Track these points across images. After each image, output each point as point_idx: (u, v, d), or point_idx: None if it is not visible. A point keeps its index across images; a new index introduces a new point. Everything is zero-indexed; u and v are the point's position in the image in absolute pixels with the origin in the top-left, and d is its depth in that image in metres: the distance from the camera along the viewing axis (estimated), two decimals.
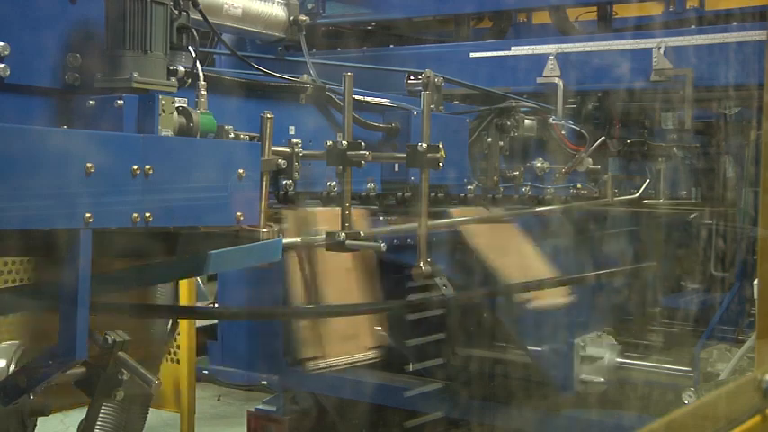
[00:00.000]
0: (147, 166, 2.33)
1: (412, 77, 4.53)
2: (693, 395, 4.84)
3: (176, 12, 2.59)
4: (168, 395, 6.70)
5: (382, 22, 6.20)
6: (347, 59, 5.03)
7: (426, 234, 3.66)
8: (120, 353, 3.14)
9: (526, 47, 5.31)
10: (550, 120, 4.89)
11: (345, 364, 3.68)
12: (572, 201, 5.11)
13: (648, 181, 5.60)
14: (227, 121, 2.92)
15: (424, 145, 3.61)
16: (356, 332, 3.71)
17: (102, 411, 3.97)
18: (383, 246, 3.43)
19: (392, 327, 5.16)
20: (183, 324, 6.40)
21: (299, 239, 3.39)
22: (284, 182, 3.31)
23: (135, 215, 2.32)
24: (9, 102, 2.39)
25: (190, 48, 2.65)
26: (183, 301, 6.36)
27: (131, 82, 2.43)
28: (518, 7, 6.39)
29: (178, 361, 6.70)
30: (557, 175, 4.95)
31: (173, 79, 2.57)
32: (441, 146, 3.63)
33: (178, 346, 6.68)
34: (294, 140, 3.35)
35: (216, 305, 7.47)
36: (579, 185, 5.17)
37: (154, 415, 5.38)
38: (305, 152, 3.37)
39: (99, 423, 4.00)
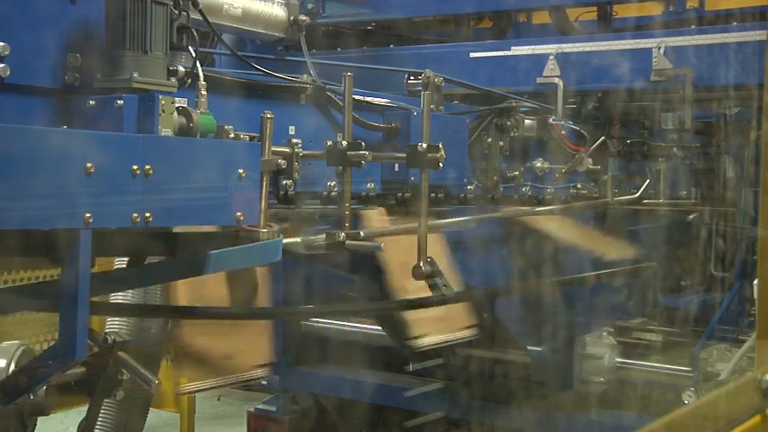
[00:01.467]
0: (147, 166, 2.33)
1: (412, 77, 4.53)
2: (693, 395, 4.84)
3: (176, 12, 2.59)
4: (168, 395, 6.70)
5: (382, 22, 6.20)
6: (347, 59, 5.03)
7: (426, 234, 3.66)
8: (120, 353, 3.14)
9: (526, 47, 5.31)
10: (550, 120, 4.89)
11: (447, 341, 3.98)
12: (572, 201, 5.11)
13: (648, 181, 5.60)
14: (227, 121, 2.92)
15: (424, 145, 3.61)
16: (454, 313, 3.96)
17: (102, 411, 3.97)
18: (382, 246, 3.44)
19: (392, 327, 5.17)
20: None
21: (298, 240, 3.39)
22: (284, 182, 3.31)
23: (135, 215, 2.32)
24: (9, 102, 2.38)
25: (190, 48, 2.65)
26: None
27: (131, 82, 2.43)
28: (518, 7, 6.38)
29: None
30: (557, 175, 4.95)
31: (173, 79, 2.57)
32: (441, 146, 3.63)
33: None
34: (294, 140, 3.35)
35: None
36: (579, 185, 5.17)
37: (154, 415, 5.39)
38: (305, 152, 3.37)
39: (99, 423, 4.00)
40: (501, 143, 4.58)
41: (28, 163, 2.10)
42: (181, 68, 2.63)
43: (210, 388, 3.54)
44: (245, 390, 8.53)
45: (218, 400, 9.20)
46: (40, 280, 4.54)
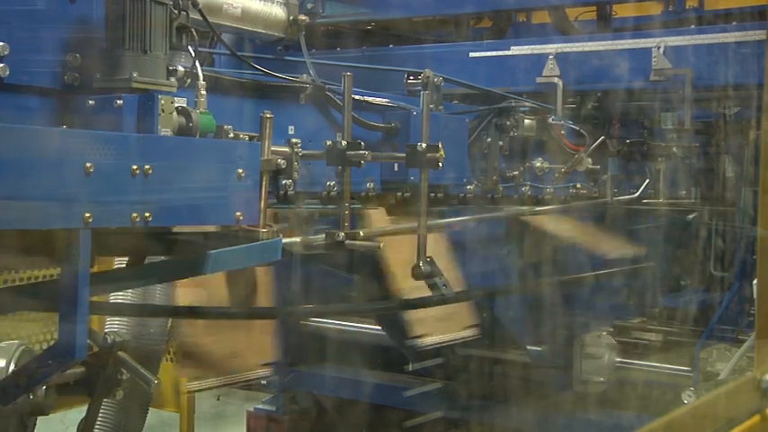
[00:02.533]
0: (147, 166, 2.33)
1: (411, 77, 4.52)
2: (693, 395, 4.84)
3: (176, 12, 2.59)
4: (168, 395, 6.70)
5: (382, 22, 6.20)
6: (347, 59, 5.03)
7: (426, 234, 3.66)
8: (119, 353, 3.14)
9: (526, 47, 5.31)
10: (550, 120, 4.89)
11: (449, 341, 4.06)
12: (572, 201, 5.11)
13: (648, 181, 5.59)
14: (226, 121, 2.92)
15: (424, 145, 3.61)
16: (456, 313, 4.02)
17: (101, 411, 3.97)
18: (382, 246, 3.44)
19: (392, 326, 5.16)
20: None
21: (298, 239, 3.39)
22: (284, 182, 3.32)
23: (134, 215, 2.32)
24: (9, 102, 2.38)
25: (189, 48, 2.65)
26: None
27: (131, 82, 2.43)
28: (518, 7, 6.38)
29: None
30: (556, 174, 4.95)
31: (172, 79, 2.57)
32: (440, 146, 3.64)
33: None
34: (294, 140, 3.36)
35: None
36: (579, 185, 5.17)
37: (154, 415, 5.38)
38: (305, 152, 3.37)
39: (99, 423, 4.00)
40: (500, 143, 4.58)
41: (28, 163, 2.10)
42: (180, 68, 2.63)
43: (214, 387, 3.55)
44: (245, 389, 8.53)
45: (218, 399, 9.19)
46: (40, 280, 4.53)
